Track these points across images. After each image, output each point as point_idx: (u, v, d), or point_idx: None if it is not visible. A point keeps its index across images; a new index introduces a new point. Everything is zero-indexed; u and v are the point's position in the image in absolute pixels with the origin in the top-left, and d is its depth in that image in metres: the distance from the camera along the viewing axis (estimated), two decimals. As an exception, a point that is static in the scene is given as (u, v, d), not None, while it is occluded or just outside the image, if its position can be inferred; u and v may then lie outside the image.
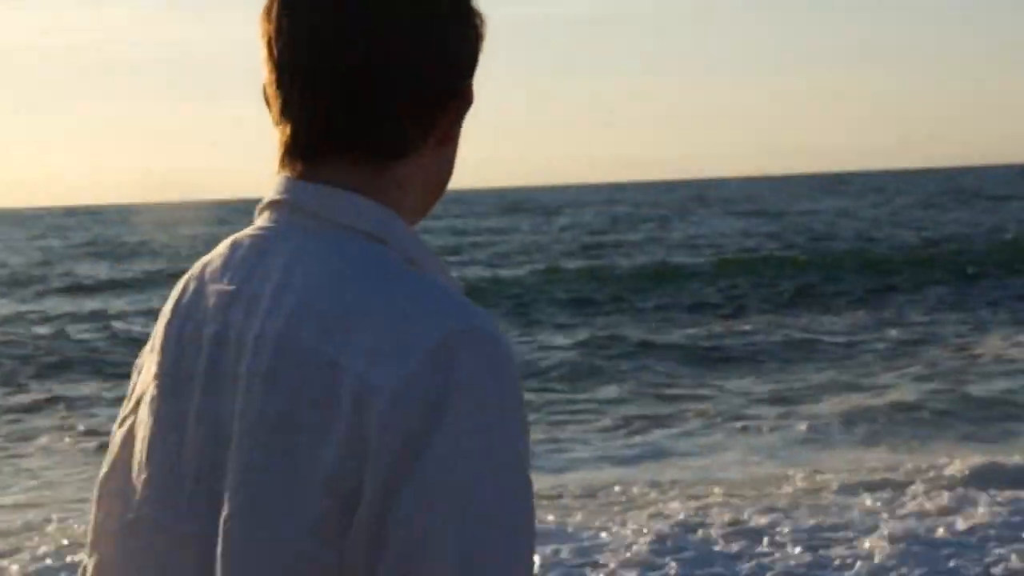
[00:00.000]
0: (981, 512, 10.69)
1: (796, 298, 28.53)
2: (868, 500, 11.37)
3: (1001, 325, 23.37)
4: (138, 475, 1.82)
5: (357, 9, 1.76)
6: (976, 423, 15.29)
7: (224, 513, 1.71)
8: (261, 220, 1.83)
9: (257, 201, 1.84)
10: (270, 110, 1.83)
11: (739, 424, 15.44)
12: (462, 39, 1.81)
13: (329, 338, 1.69)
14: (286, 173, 1.81)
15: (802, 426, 15.12)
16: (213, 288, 1.81)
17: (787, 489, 12.06)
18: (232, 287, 1.79)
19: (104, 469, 1.88)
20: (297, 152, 1.80)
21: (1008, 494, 11.22)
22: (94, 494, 1.89)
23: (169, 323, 1.85)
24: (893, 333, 22.58)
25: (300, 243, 1.77)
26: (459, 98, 1.81)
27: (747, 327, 23.97)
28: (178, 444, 1.78)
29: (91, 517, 1.90)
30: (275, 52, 1.79)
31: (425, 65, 1.77)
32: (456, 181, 1.88)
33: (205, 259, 1.86)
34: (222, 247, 1.85)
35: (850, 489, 11.84)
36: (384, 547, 1.62)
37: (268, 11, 1.81)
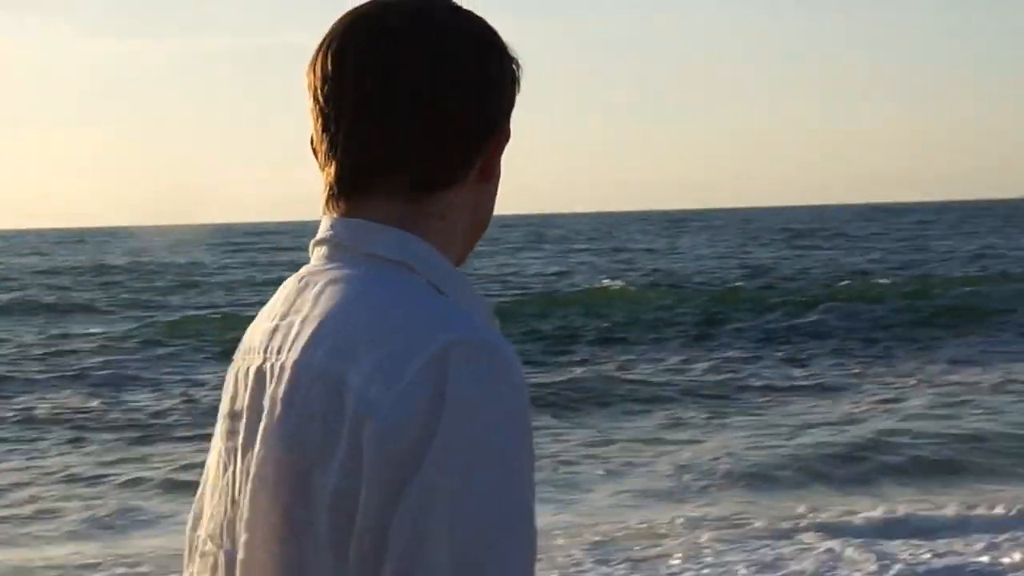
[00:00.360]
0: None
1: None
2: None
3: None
4: (203, 502, 1.97)
5: (398, 52, 1.86)
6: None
7: (243, 537, 1.82)
8: (312, 258, 1.93)
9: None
10: (316, 157, 1.92)
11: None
12: (501, 81, 1.91)
13: (339, 358, 1.76)
14: (331, 213, 1.91)
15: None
16: (261, 327, 1.92)
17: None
18: (274, 323, 1.89)
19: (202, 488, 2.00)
20: (341, 192, 1.89)
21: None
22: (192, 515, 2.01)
23: (233, 363, 1.95)
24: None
25: (333, 275, 1.86)
26: (499, 134, 1.91)
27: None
28: (233, 478, 1.89)
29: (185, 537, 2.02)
30: (320, 99, 1.88)
31: (466, 105, 1.87)
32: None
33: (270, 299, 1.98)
34: (279, 287, 1.96)
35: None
36: (386, 556, 1.67)
37: (313, 64, 1.90)
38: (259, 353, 1.89)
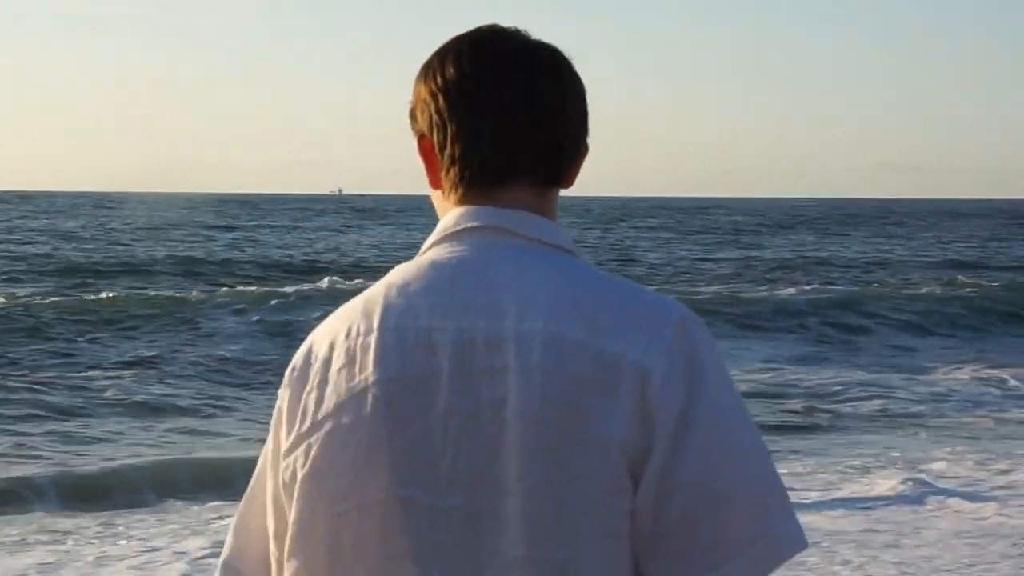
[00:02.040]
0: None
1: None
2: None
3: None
4: (365, 467, 2.10)
5: (534, 73, 2.20)
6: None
7: (513, 484, 2.04)
8: (452, 245, 2.18)
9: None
10: (439, 152, 2.21)
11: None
12: (586, 100, 2.28)
13: (593, 332, 2.07)
14: (468, 205, 2.19)
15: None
16: (429, 302, 2.13)
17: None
18: (461, 299, 2.12)
19: (301, 473, 2.13)
20: (483, 186, 2.19)
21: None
22: (274, 503, 2.17)
23: (381, 340, 2.13)
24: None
25: (517, 258, 2.15)
26: (587, 148, 2.28)
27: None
28: (425, 433, 2.08)
29: (273, 523, 2.19)
30: (458, 106, 2.18)
31: (578, 117, 2.23)
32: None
33: (394, 282, 2.17)
34: (415, 271, 2.17)
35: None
36: (673, 491, 2.03)
37: (442, 74, 2.21)
38: (446, 325, 2.11)
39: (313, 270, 41.02)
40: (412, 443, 2.09)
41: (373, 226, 79.51)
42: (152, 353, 21.78)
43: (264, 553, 2.23)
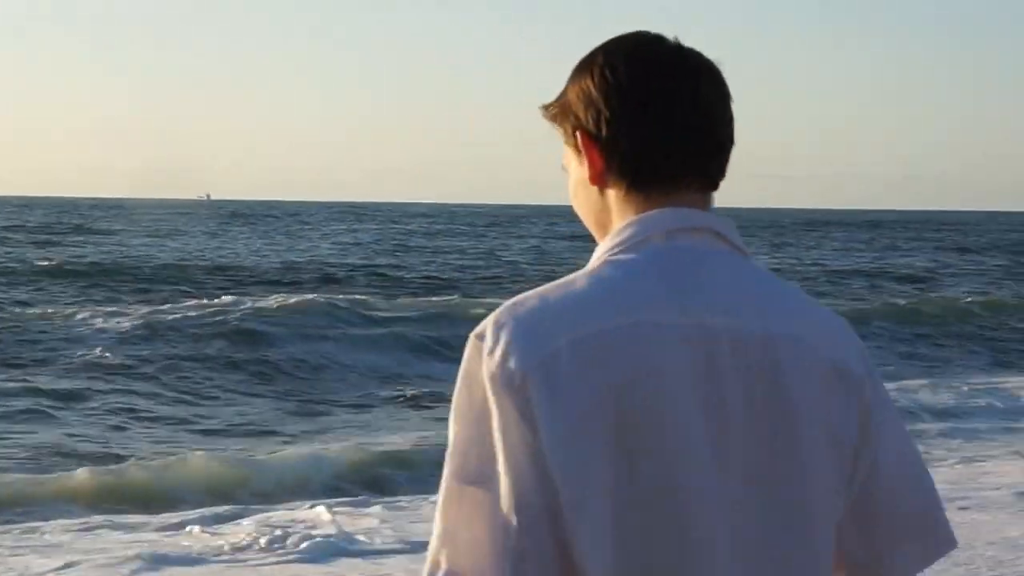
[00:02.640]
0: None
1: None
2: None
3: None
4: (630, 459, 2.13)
5: (704, 81, 2.27)
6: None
7: (772, 477, 2.16)
8: (671, 242, 2.22)
9: None
10: (604, 150, 2.25)
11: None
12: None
13: (823, 338, 2.22)
14: (650, 205, 2.24)
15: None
16: (670, 297, 2.18)
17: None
18: (700, 297, 2.18)
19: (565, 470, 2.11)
20: (663, 184, 2.24)
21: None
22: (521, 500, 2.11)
23: (631, 333, 2.14)
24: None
25: (732, 261, 2.24)
26: None
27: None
28: (686, 425, 2.13)
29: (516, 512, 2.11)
30: (637, 107, 2.24)
31: (733, 121, 2.31)
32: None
33: (626, 274, 2.20)
34: (642, 265, 2.20)
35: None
36: (875, 477, 2.25)
37: (612, 75, 2.26)
38: (692, 319, 2.18)
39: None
40: (676, 433, 2.14)
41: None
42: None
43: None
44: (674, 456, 2.13)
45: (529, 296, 2.21)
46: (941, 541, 2.32)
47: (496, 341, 2.15)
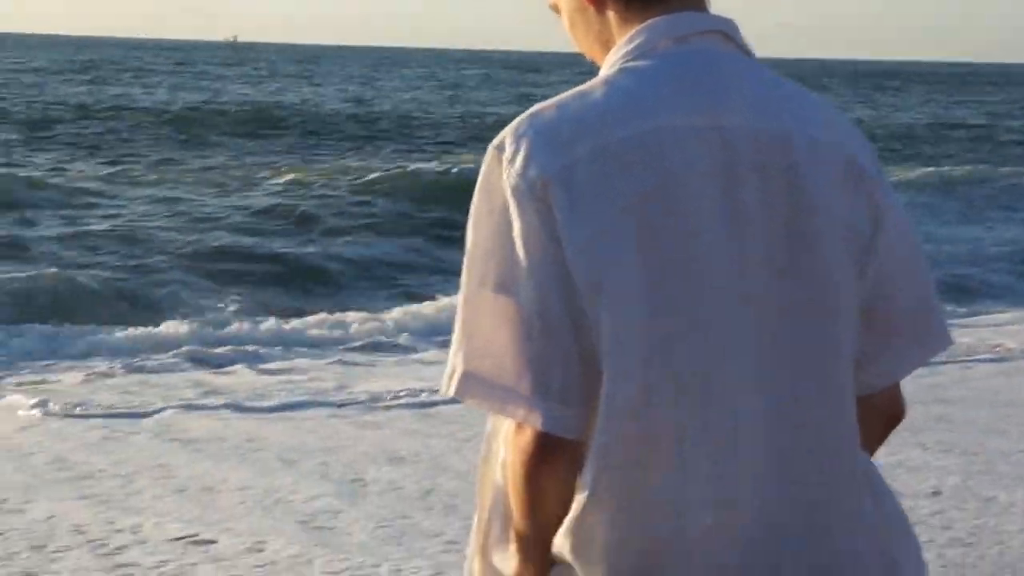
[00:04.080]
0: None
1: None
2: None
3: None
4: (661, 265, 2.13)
5: None
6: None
7: (794, 272, 2.16)
8: (684, 47, 2.22)
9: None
10: None
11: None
12: None
13: (833, 133, 2.21)
14: (656, 15, 2.23)
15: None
16: (690, 100, 2.17)
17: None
18: (720, 99, 2.18)
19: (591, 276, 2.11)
20: None
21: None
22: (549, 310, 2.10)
23: (654, 138, 2.14)
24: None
25: (745, 63, 2.24)
26: None
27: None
28: (709, 226, 2.13)
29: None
30: None
31: None
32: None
33: (641, 80, 2.19)
34: (660, 69, 2.19)
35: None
36: (880, 274, 2.24)
37: None
38: (702, 123, 2.16)
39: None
40: (699, 238, 2.13)
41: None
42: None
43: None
44: (698, 260, 2.12)
45: (547, 106, 2.18)
46: (935, 339, 2.33)
47: (516, 150, 2.13)
